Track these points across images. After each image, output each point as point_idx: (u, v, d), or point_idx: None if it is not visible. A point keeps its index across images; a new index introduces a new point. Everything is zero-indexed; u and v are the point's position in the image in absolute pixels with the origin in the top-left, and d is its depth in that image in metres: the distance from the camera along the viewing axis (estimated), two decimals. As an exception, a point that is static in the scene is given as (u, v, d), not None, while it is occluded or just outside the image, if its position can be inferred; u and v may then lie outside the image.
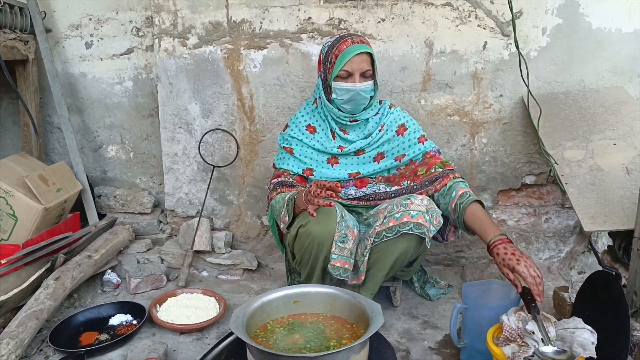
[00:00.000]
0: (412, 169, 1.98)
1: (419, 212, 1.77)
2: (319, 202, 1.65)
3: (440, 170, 1.94)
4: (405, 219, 1.77)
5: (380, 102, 2.05)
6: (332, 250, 1.81)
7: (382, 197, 1.98)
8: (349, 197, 2.00)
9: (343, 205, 1.97)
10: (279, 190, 1.96)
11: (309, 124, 2.05)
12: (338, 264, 1.82)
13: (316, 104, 2.05)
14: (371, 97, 1.96)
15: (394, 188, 1.98)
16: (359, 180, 2.02)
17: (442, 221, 1.87)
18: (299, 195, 1.77)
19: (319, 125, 2.04)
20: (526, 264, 1.52)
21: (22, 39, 2.51)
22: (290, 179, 2.01)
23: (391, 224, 1.78)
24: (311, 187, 1.68)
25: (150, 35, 2.62)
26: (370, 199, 1.99)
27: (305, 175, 2.01)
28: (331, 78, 1.90)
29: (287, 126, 2.10)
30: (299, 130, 2.05)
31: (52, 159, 2.84)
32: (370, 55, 1.89)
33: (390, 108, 2.05)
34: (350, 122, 1.97)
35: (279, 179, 2.01)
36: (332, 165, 2.02)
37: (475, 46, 2.28)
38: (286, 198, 1.86)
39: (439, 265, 2.48)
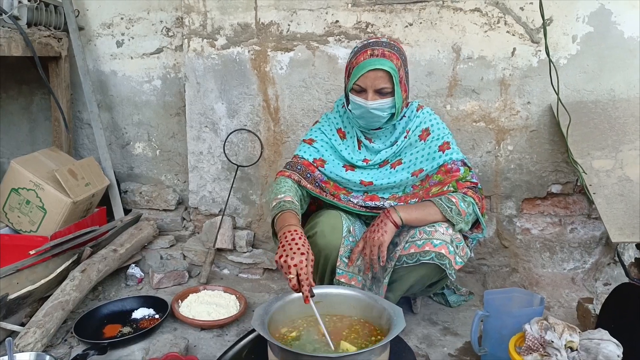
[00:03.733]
0: (426, 188, 1.87)
1: (443, 241, 1.72)
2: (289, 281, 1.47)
3: (452, 190, 1.81)
4: (427, 248, 1.71)
5: (407, 104, 1.93)
6: (337, 264, 1.80)
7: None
8: (350, 202, 1.91)
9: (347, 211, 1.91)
10: (282, 172, 1.90)
11: (340, 128, 1.97)
12: (343, 280, 1.81)
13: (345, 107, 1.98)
14: (392, 114, 1.82)
15: (400, 205, 1.85)
16: (369, 197, 1.93)
17: (469, 253, 1.82)
18: (281, 227, 1.62)
19: (348, 132, 1.96)
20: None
21: (56, 36, 2.58)
22: (297, 161, 1.93)
23: (412, 251, 1.74)
24: (284, 266, 1.48)
25: (179, 35, 2.67)
26: (371, 206, 1.90)
27: (315, 164, 1.92)
28: (348, 89, 1.81)
29: (316, 122, 2.05)
30: (330, 130, 1.98)
31: (81, 154, 2.91)
32: (389, 72, 1.72)
33: (417, 110, 1.92)
34: (374, 130, 1.88)
35: (289, 162, 1.96)
36: (346, 170, 1.93)
37: (503, 52, 2.26)
38: (272, 206, 1.76)
39: (461, 272, 2.46)
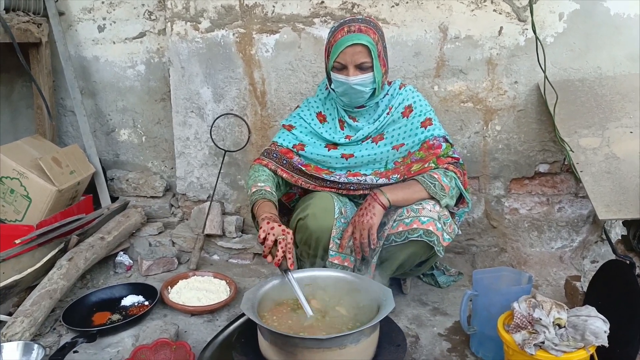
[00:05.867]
0: (407, 164, 1.88)
1: (430, 218, 1.73)
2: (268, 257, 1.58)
3: (433, 166, 1.83)
4: (415, 225, 1.73)
5: (390, 83, 1.95)
6: (330, 246, 1.81)
7: (366, 188, 1.88)
8: (333, 182, 1.90)
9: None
10: (259, 159, 1.95)
11: (320, 112, 1.99)
12: (336, 261, 1.81)
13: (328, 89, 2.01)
14: (374, 91, 1.83)
15: (381, 180, 1.88)
16: (351, 174, 1.93)
17: (456, 229, 1.85)
18: (259, 211, 1.69)
19: (330, 114, 1.98)
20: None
21: (36, 21, 2.52)
22: (274, 148, 1.95)
23: (400, 229, 1.75)
24: (266, 235, 1.56)
25: (162, 18, 2.62)
26: (352, 188, 1.89)
27: (295, 150, 1.94)
28: (329, 68, 1.83)
29: (297, 107, 2.06)
30: (310, 115, 1.99)
31: (65, 142, 2.86)
32: (367, 46, 1.74)
33: (400, 88, 1.94)
34: (357, 108, 1.89)
35: (266, 149, 1.99)
36: (328, 150, 1.94)
37: (490, 31, 2.25)
38: (252, 191, 1.80)
39: (450, 253, 2.47)
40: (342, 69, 1.78)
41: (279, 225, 1.58)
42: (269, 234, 1.55)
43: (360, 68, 1.77)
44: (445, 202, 1.78)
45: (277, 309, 1.54)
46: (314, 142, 1.96)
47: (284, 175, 1.91)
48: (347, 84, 1.79)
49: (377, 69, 1.79)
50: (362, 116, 1.93)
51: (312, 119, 1.98)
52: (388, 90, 1.93)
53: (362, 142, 1.93)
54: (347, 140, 1.92)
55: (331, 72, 1.82)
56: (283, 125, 2.02)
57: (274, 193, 1.81)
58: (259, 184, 1.81)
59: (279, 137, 1.99)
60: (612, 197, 1.81)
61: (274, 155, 1.94)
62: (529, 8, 2.09)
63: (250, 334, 1.49)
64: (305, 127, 1.98)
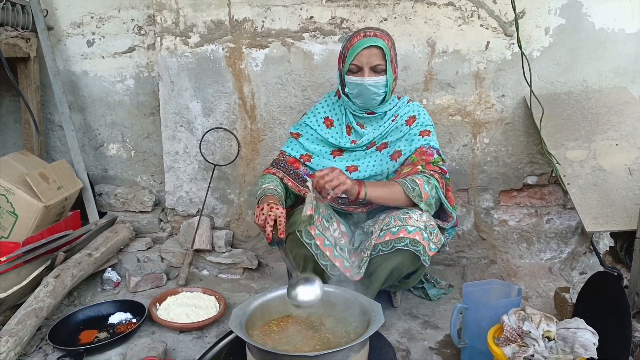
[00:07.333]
0: (397, 170, 1.94)
1: (417, 228, 1.75)
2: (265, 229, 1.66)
3: (420, 169, 1.87)
4: (401, 234, 1.74)
5: (399, 97, 2.04)
6: (327, 254, 1.82)
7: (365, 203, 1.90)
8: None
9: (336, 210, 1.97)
10: (268, 169, 2.03)
11: (327, 117, 2.05)
12: (337, 263, 1.81)
13: (338, 96, 2.06)
14: (386, 93, 1.91)
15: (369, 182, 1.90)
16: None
17: (442, 239, 1.86)
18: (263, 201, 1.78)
19: (337, 119, 2.04)
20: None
21: (24, 36, 2.51)
22: (282, 158, 2.04)
23: (387, 238, 1.76)
24: (261, 215, 1.68)
25: (152, 33, 2.62)
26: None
27: (302, 160, 2.02)
28: (344, 72, 1.91)
29: (304, 115, 2.11)
30: (316, 120, 2.06)
31: (53, 157, 2.84)
32: (382, 49, 1.84)
33: (408, 102, 2.03)
34: (367, 114, 1.96)
35: (275, 158, 2.07)
36: (334, 157, 2.01)
37: (477, 46, 2.28)
38: (257, 194, 1.90)
39: (440, 265, 2.47)
40: (358, 71, 1.87)
41: (267, 205, 1.68)
42: (258, 216, 1.68)
43: (375, 70, 1.86)
44: (423, 208, 1.81)
45: (266, 325, 1.53)
46: (320, 150, 2.02)
47: (289, 184, 1.97)
48: (362, 85, 1.86)
49: (389, 73, 1.88)
50: (370, 123, 2.00)
51: (319, 125, 2.05)
52: (397, 103, 2.01)
53: (367, 147, 1.98)
54: (352, 144, 1.98)
55: (346, 76, 1.89)
56: (291, 133, 2.09)
57: (277, 189, 1.89)
58: (263, 186, 1.90)
59: (287, 146, 2.07)
60: (599, 210, 1.82)
61: (282, 164, 2.02)
62: (514, 23, 2.11)
63: (239, 351, 1.48)
64: (312, 134, 2.04)
